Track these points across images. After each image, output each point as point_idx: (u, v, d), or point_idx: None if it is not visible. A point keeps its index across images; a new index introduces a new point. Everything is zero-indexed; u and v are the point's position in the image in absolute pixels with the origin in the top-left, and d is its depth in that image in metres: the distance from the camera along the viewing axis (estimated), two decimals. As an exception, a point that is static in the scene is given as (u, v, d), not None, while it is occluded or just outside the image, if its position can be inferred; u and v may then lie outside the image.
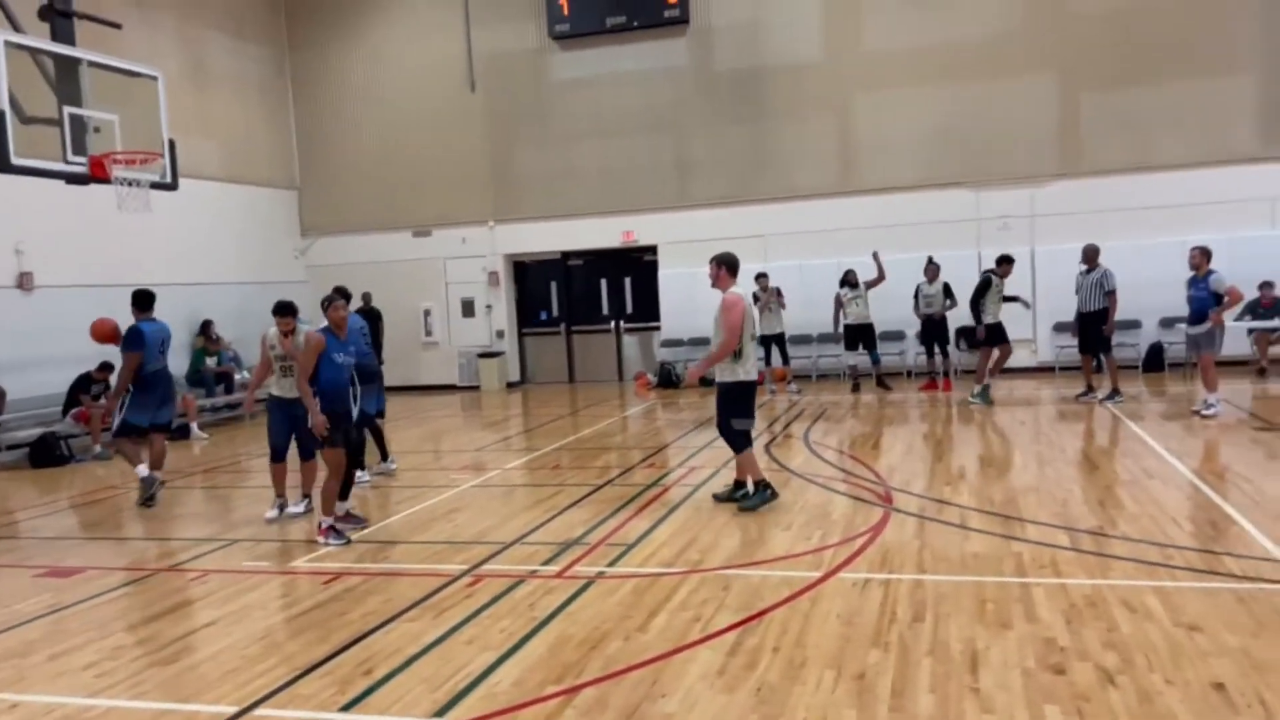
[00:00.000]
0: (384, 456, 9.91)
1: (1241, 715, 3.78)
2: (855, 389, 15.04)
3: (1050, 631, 4.74)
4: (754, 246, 17.09)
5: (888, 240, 16.18)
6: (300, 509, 8.28)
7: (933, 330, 14.53)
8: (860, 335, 14.85)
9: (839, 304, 14.86)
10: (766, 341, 14.76)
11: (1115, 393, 12.45)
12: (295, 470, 8.37)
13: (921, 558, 6.08)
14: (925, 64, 16.33)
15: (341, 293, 7.96)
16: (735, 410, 7.59)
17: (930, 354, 14.75)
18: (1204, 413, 10.70)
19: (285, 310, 8.17)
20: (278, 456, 8.24)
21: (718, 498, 7.89)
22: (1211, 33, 15.18)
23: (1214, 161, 15.20)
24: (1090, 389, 12.73)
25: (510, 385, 18.85)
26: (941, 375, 14.74)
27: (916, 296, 14.57)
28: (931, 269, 14.45)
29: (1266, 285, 13.91)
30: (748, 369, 7.56)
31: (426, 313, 19.04)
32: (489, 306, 19.07)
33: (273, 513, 8.16)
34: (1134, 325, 15.39)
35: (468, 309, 19.15)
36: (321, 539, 7.21)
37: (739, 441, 7.64)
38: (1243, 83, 15.27)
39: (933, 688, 4.19)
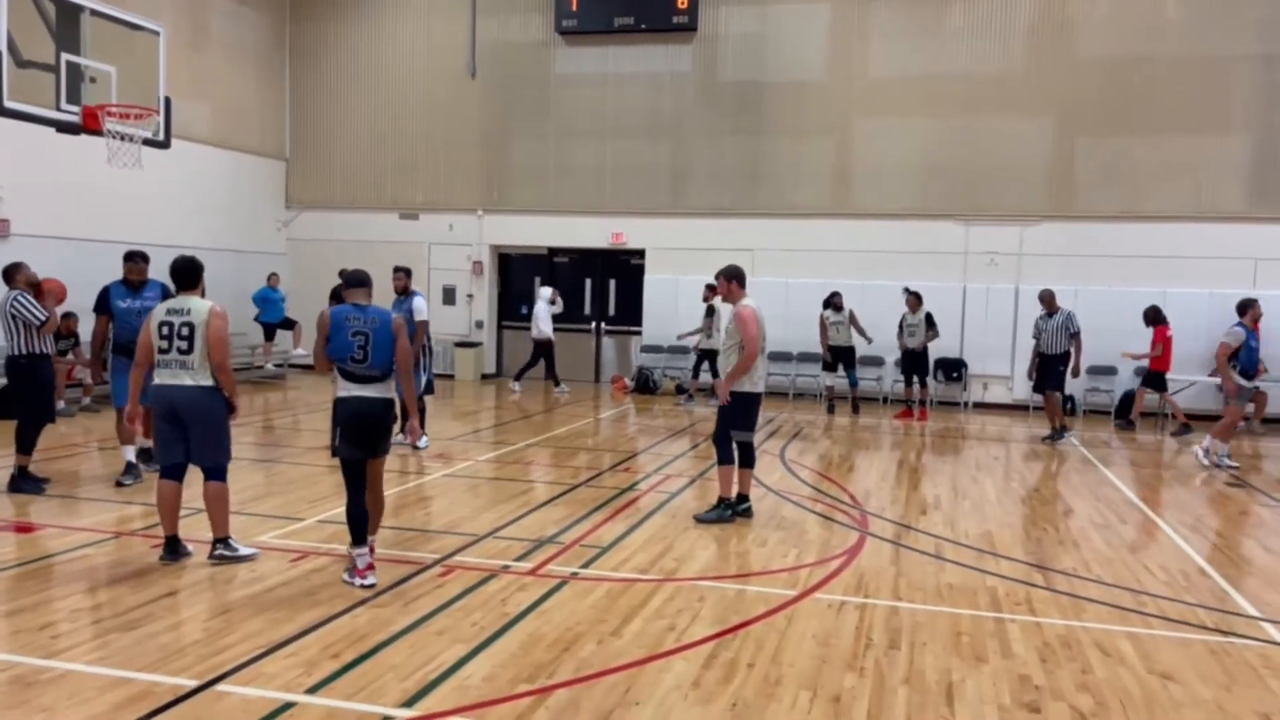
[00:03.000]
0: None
1: (1215, 768, 3.78)
2: (830, 410, 15.06)
3: (1025, 668, 4.73)
4: (742, 260, 16.68)
5: (877, 266, 16.29)
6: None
7: (913, 360, 14.60)
8: (840, 357, 14.89)
9: (823, 326, 14.89)
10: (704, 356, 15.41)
11: (1063, 429, 12.68)
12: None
13: (897, 584, 6.06)
14: (926, 94, 16.41)
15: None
16: (737, 422, 7.53)
17: (909, 383, 14.81)
18: (1227, 463, 10.75)
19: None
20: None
21: (703, 517, 7.66)
22: (1209, 91, 15.37)
23: (1201, 216, 15.40)
24: (1065, 428, 12.82)
25: (485, 377, 18.71)
26: (918, 405, 14.80)
27: (901, 326, 14.63)
28: (912, 299, 14.51)
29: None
30: (754, 380, 7.52)
31: (414, 292, 18.82)
32: (470, 296, 18.92)
33: None
34: (1109, 371, 15.54)
35: (449, 296, 18.98)
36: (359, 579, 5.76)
37: (729, 452, 7.56)
38: (1235, 142, 15.49)
39: (909, 716, 4.16)
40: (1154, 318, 13.91)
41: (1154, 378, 13.99)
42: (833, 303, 14.87)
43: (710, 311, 15.30)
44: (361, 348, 5.62)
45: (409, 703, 4.12)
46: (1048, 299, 12.72)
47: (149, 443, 7.86)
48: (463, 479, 9.09)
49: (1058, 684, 4.56)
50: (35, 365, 7.88)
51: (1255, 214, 15.26)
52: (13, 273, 8.02)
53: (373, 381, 5.65)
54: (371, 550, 5.78)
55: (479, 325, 18.93)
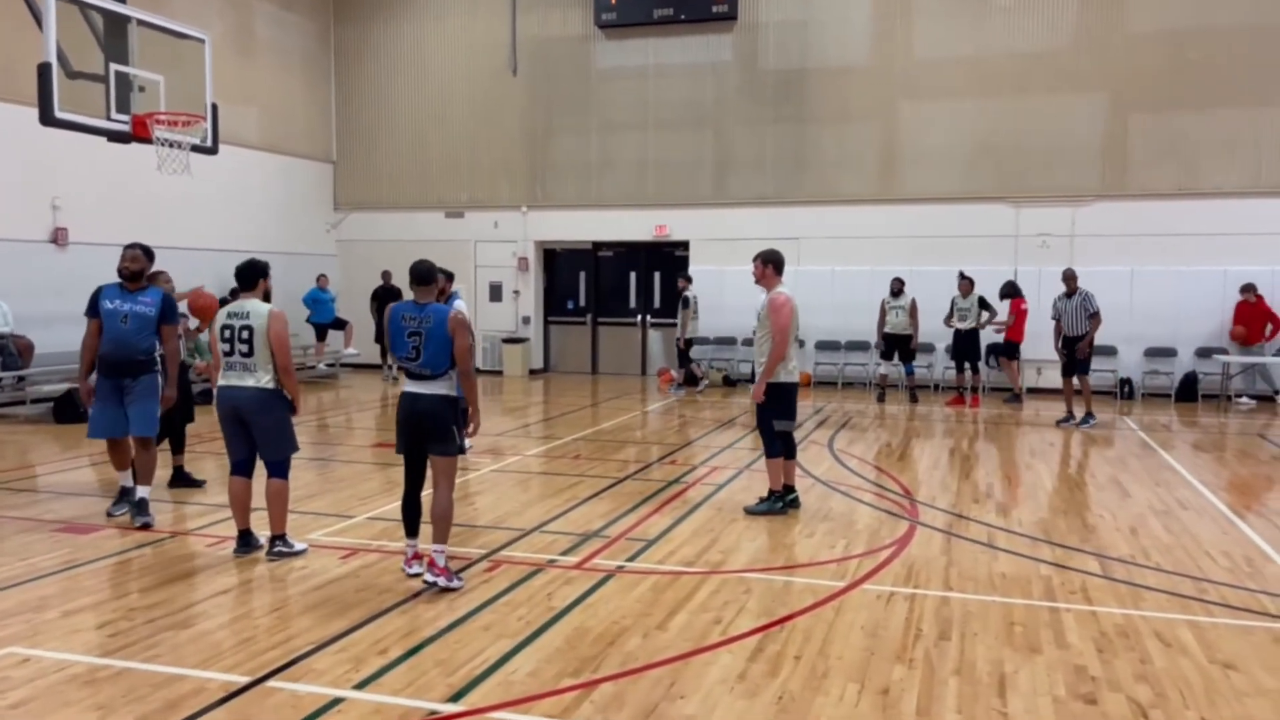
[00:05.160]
0: None
1: (1281, 761, 3.66)
2: (881, 399, 14.88)
3: (1081, 659, 4.62)
4: (788, 249, 16.57)
5: (926, 251, 16.05)
6: None
7: (964, 345, 14.35)
8: (897, 345, 14.71)
9: (883, 311, 14.74)
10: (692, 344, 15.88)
11: (1089, 416, 12.34)
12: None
13: (948, 574, 5.96)
14: (973, 74, 16.11)
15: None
16: (777, 412, 7.44)
17: (960, 369, 14.57)
18: None
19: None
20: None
21: (751, 509, 7.62)
22: (1267, 61, 14.88)
23: (1262, 191, 14.92)
24: (1071, 414, 12.48)
25: (533, 372, 18.80)
26: (970, 391, 14.55)
27: (951, 309, 14.39)
28: (964, 284, 14.27)
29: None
30: (789, 370, 7.40)
31: (455, 294, 18.95)
32: (516, 292, 19.02)
33: None
34: (1169, 353, 15.15)
35: (495, 293, 19.11)
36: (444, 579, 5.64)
37: (776, 445, 7.49)
38: (1295, 113, 14.98)
39: (959, 708, 4.08)
40: (1010, 292, 14.32)
41: (1008, 346, 14.44)
42: (893, 289, 14.70)
43: (685, 303, 15.80)
44: (415, 346, 5.57)
45: (455, 697, 4.13)
46: (1069, 278, 12.42)
47: (147, 490, 7.10)
48: (511, 474, 9.13)
49: (1115, 674, 4.44)
50: (182, 371, 8.03)
51: (1320, 187, 14.75)
52: (154, 279, 7.72)
53: (426, 379, 5.63)
54: (430, 563, 5.56)
55: (526, 321, 19.02)
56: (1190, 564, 6.22)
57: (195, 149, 10.00)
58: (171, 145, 9.52)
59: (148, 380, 6.91)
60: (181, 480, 8.34)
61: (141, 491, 7.06)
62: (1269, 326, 14.25)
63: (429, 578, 5.55)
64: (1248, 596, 5.58)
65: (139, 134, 9.40)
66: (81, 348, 6.95)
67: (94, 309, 6.87)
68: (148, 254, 7.06)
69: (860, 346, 16.49)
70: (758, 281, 7.53)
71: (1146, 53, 15.37)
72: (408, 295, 5.94)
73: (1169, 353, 15.17)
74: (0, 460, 9.98)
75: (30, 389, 12.75)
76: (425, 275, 5.72)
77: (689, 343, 16.05)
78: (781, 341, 7.23)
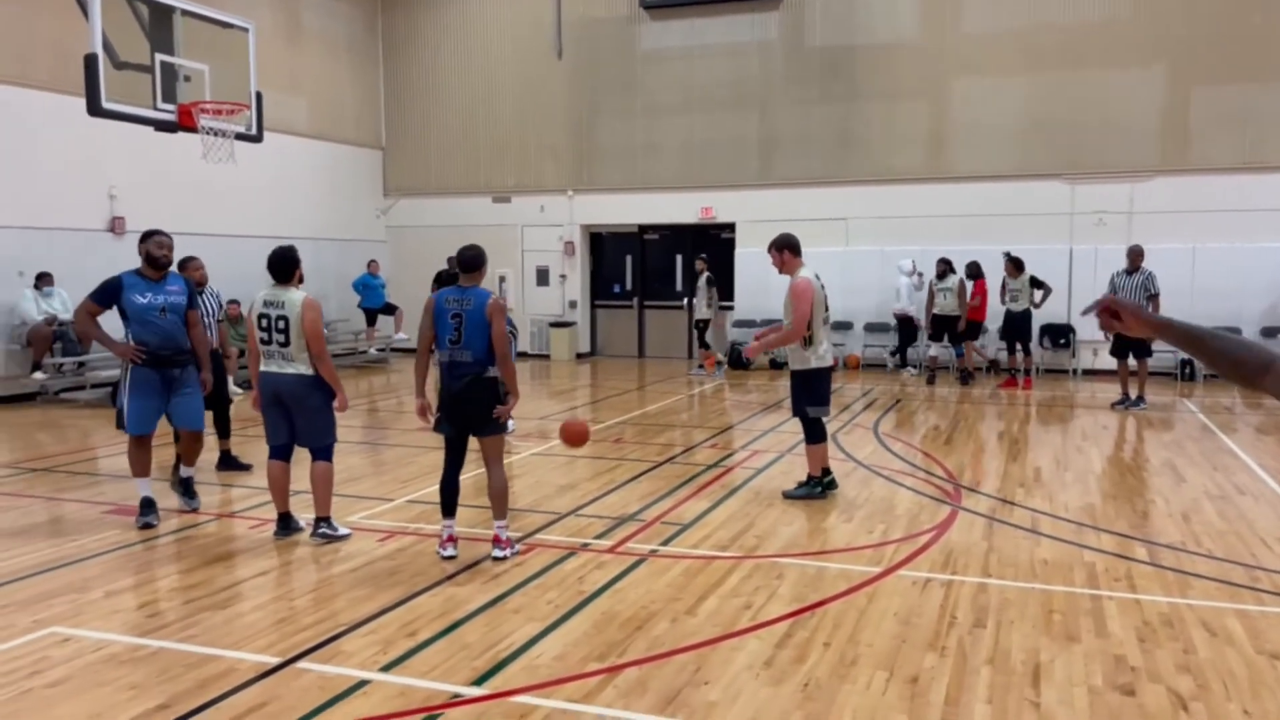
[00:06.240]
0: None
1: (1328, 757, 3.51)
2: (931, 381, 14.63)
3: (1121, 649, 4.49)
4: (836, 230, 16.76)
5: (977, 230, 15.69)
6: None
7: (1015, 327, 14.01)
8: (946, 327, 14.45)
9: (931, 293, 14.49)
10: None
11: (1140, 399, 11.97)
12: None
13: (987, 560, 5.83)
14: (1026, 48, 15.68)
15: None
16: (810, 398, 7.35)
17: (1011, 350, 14.25)
18: None
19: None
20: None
21: (788, 495, 7.56)
22: (1340, 27, 14.25)
23: (1332, 164, 14.34)
24: (1127, 396, 12.11)
25: (580, 356, 18.83)
26: (1022, 373, 14.24)
27: (1003, 290, 14.05)
28: (1010, 266, 13.86)
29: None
30: (820, 354, 7.30)
31: (501, 279, 19.09)
32: (563, 276, 19.05)
33: None
34: (1233, 333, 14.66)
35: (542, 278, 19.16)
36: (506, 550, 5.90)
37: (817, 430, 7.40)
38: (1370, 82, 14.33)
39: (990, 698, 3.99)
40: (974, 273, 14.22)
41: (972, 326, 14.34)
42: (939, 270, 14.44)
43: (710, 282, 15.76)
44: (456, 329, 5.70)
45: (478, 681, 4.15)
46: (1135, 255, 12.06)
47: (192, 470, 7.17)
48: (552, 457, 9.15)
49: (1156, 665, 4.30)
50: (218, 357, 8.23)
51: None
52: (185, 265, 7.95)
53: (465, 363, 5.71)
54: (496, 540, 5.87)
55: (572, 305, 19.05)
56: (1244, 551, 6.01)
57: (240, 137, 10.15)
58: (216, 134, 9.66)
59: (193, 370, 6.95)
60: (228, 464, 8.51)
61: (187, 471, 7.16)
62: None
63: (497, 553, 5.80)
64: (1303, 585, 5.37)
65: (185, 123, 9.56)
66: (79, 320, 6.93)
67: (109, 298, 6.55)
68: (169, 240, 6.87)
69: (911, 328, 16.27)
70: (781, 271, 7.44)
71: (1207, 20, 14.81)
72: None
73: (1235, 330, 14.67)
74: (61, 444, 10.29)
75: (89, 374, 13.11)
76: (471, 261, 5.87)
77: (705, 324, 15.94)
78: (799, 328, 7.14)
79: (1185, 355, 14.29)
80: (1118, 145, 15.39)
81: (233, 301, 12.79)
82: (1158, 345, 12.54)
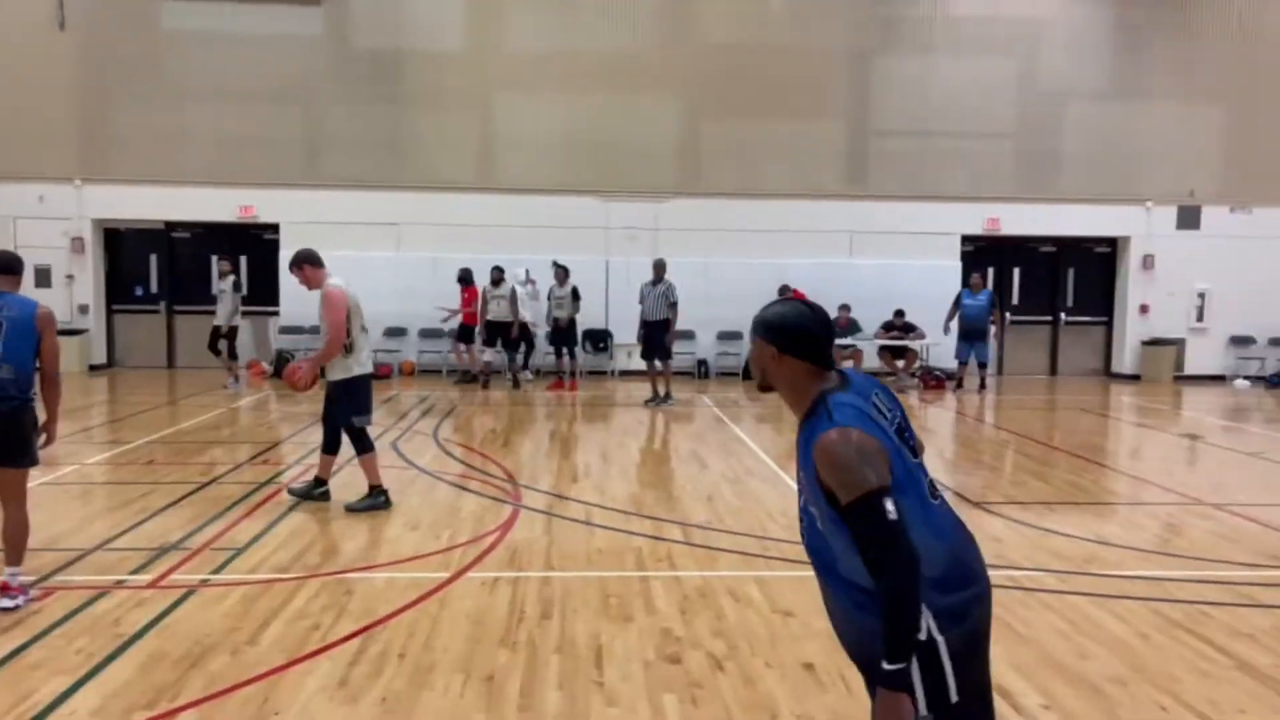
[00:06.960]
0: None
1: (828, 691, 4.21)
2: (485, 385, 15.10)
3: (667, 622, 4.99)
4: (387, 234, 16.63)
5: (522, 240, 16.42)
6: None
7: (563, 333, 14.99)
8: (499, 332, 15.02)
9: (484, 300, 15.09)
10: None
11: (668, 396, 13.55)
12: None
13: (549, 554, 6.16)
14: (562, 70, 16.74)
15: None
16: (353, 406, 7.23)
17: (559, 355, 15.20)
18: None
19: None
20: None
21: (293, 492, 7.49)
22: (807, 81, 17.04)
23: (807, 195, 17.13)
24: (656, 394, 13.69)
25: (94, 368, 16.62)
26: (569, 375, 15.23)
27: (549, 299, 14.95)
28: (560, 273, 14.88)
29: (843, 308, 15.93)
30: (361, 361, 7.25)
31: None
32: (70, 277, 16.67)
33: None
34: (738, 336, 16.90)
35: (43, 278, 16.50)
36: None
37: (365, 440, 7.31)
38: (830, 128, 17.37)
39: (560, 684, 4.23)
40: (465, 279, 15.65)
41: (464, 331, 15.74)
42: (493, 278, 14.95)
43: (236, 287, 15.06)
44: None
45: (-8, 756, 3.51)
46: (659, 267, 13.58)
47: None
48: (67, 486, 7.98)
49: (695, 633, 4.84)
50: None
51: (849, 192, 17.25)
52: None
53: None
54: (5, 587, 4.99)
55: (83, 310, 16.74)
56: (756, 525, 6.98)
57: None
58: None
59: None
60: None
61: None
62: None
63: (6, 603, 4.95)
64: (798, 549, 6.36)
65: None
66: None
67: None
68: None
69: (432, 334, 16.66)
70: (309, 286, 7.36)
71: (714, 63, 16.94)
72: None
73: (738, 336, 16.94)
74: None
75: None
76: (10, 265, 5.25)
77: (233, 331, 14.99)
78: (338, 335, 7.05)
79: (700, 356, 16.26)
80: (644, 168, 17.04)
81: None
82: (676, 346, 14.11)
